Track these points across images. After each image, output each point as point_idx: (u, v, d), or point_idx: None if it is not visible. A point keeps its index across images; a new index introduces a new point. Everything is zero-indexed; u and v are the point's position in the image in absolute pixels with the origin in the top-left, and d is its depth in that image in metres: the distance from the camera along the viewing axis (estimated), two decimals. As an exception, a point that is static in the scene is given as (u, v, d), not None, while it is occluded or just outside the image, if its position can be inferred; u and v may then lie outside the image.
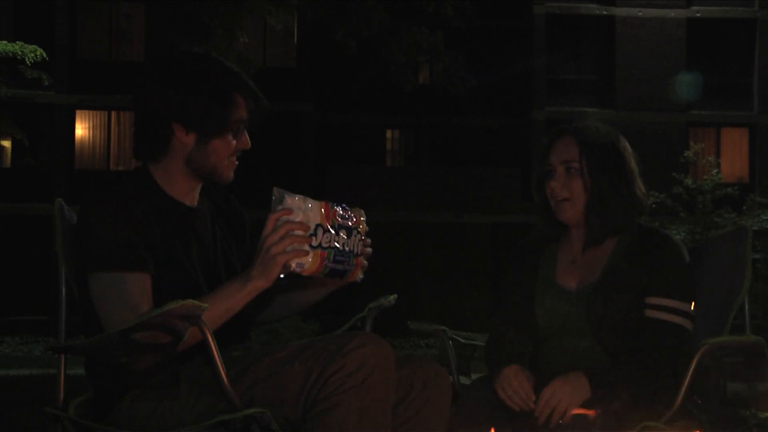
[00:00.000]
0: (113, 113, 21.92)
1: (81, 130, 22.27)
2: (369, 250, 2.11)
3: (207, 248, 2.22)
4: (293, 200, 2.00)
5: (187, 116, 2.10)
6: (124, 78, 15.38)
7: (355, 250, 2.07)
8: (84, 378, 2.12)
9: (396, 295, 2.52)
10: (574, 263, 2.48)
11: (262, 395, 1.94)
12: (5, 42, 10.79)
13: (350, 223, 2.07)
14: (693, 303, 2.34)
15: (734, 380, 2.20)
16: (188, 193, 2.21)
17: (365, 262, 2.11)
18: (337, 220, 2.05)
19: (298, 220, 1.98)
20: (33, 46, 10.77)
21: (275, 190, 2.00)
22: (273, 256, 1.95)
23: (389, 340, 2.02)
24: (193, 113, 2.10)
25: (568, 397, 2.20)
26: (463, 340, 2.80)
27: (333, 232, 2.03)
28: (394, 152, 24.78)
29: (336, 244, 2.03)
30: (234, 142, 2.16)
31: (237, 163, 2.20)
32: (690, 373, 2.14)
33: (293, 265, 1.98)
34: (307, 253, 1.97)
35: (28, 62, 10.83)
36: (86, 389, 2.19)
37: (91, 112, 22.14)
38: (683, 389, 2.15)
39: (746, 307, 2.42)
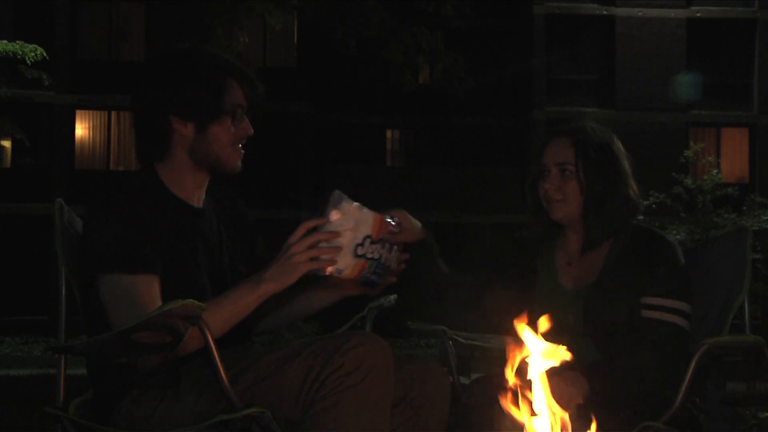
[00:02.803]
0: (113, 113, 21.90)
1: (81, 130, 22.26)
2: (403, 266, 2.12)
3: (212, 249, 2.21)
4: (350, 206, 2.01)
5: (181, 106, 2.10)
6: (124, 78, 15.35)
7: (392, 266, 2.10)
8: (84, 378, 2.12)
9: (396, 295, 2.52)
10: (570, 265, 2.48)
11: (262, 395, 1.94)
12: (5, 42, 10.79)
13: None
14: (689, 302, 2.34)
15: (734, 380, 2.20)
16: (195, 192, 2.20)
17: (394, 278, 2.12)
18: (386, 234, 2.06)
19: (349, 227, 2.00)
20: (33, 45, 10.78)
21: (336, 192, 2.02)
22: (295, 264, 1.96)
23: (389, 340, 2.02)
24: (186, 102, 2.10)
25: (568, 393, 2.20)
26: (463, 340, 2.80)
27: (379, 245, 2.04)
28: (394, 152, 24.78)
29: (379, 256, 2.06)
30: (233, 128, 2.15)
31: (243, 151, 2.20)
32: (690, 373, 2.14)
33: (331, 269, 1.99)
34: (334, 262, 1.97)
35: (28, 62, 10.84)
36: (86, 389, 2.19)
37: (91, 112, 22.12)
38: (683, 389, 2.15)
39: (746, 307, 2.42)
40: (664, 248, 2.38)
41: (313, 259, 1.97)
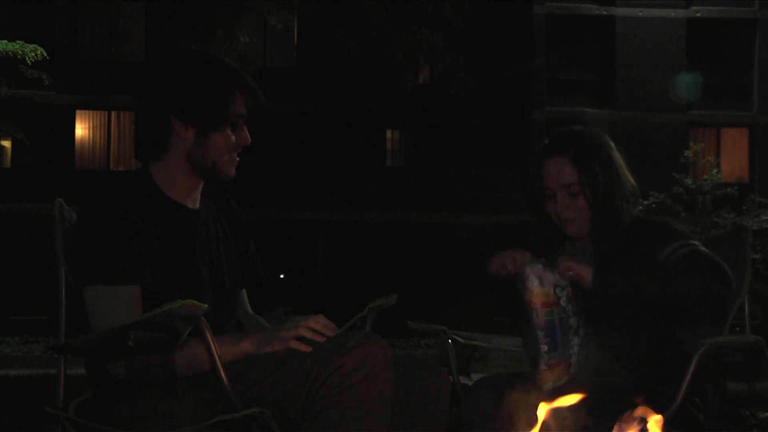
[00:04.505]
0: (113, 113, 21.90)
1: (81, 130, 22.25)
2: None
3: (210, 249, 2.22)
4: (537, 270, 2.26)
5: (185, 110, 2.11)
6: (124, 78, 15.38)
7: (568, 347, 2.23)
8: (84, 378, 2.12)
9: (396, 295, 2.52)
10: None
11: (262, 395, 1.94)
12: (5, 42, 10.79)
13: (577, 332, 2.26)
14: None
15: (734, 380, 2.20)
16: (189, 194, 2.21)
17: (560, 368, 2.20)
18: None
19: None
20: (33, 45, 10.77)
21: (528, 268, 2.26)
22: (281, 338, 2.00)
23: (389, 340, 2.03)
24: (191, 107, 2.10)
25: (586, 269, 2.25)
26: (463, 340, 2.80)
27: (570, 308, 2.24)
28: (394, 152, 24.76)
29: (569, 313, 2.24)
30: (233, 137, 2.16)
31: (238, 159, 2.20)
32: (690, 373, 2.14)
33: (533, 279, 2.22)
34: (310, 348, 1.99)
35: (28, 61, 10.83)
36: (86, 389, 2.19)
37: (91, 112, 22.12)
38: (683, 389, 2.15)
39: (746, 307, 2.42)
40: (656, 223, 2.42)
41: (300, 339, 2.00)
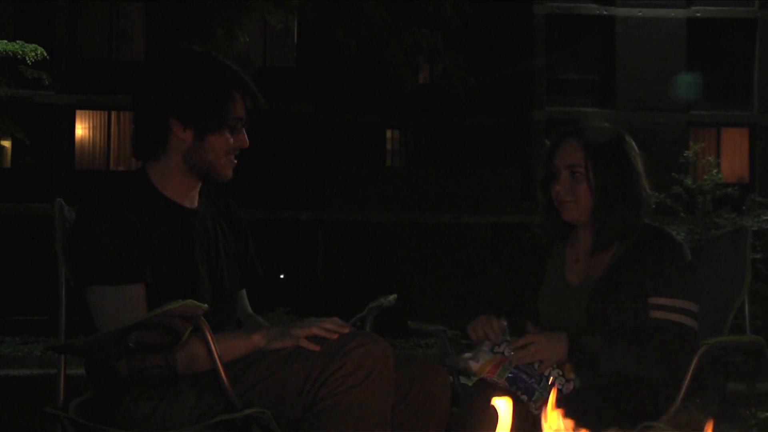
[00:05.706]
0: (113, 113, 21.89)
1: (81, 130, 22.25)
2: (571, 386, 2.24)
3: (209, 248, 2.22)
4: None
5: (184, 111, 2.11)
6: (124, 78, 15.38)
7: (544, 377, 2.24)
8: (84, 378, 2.12)
9: (396, 295, 2.52)
10: (579, 261, 2.49)
11: (262, 395, 1.94)
12: (5, 42, 10.77)
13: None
14: (696, 302, 2.34)
15: (734, 380, 2.20)
16: (187, 194, 2.21)
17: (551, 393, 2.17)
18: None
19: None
20: (33, 45, 10.76)
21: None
22: (291, 335, 2.01)
23: (389, 340, 2.03)
24: (189, 108, 2.10)
25: (544, 349, 2.27)
26: (463, 341, 2.80)
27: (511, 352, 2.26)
28: (394, 152, 24.76)
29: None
30: (231, 139, 2.16)
31: (236, 161, 2.21)
32: (690, 373, 2.14)
33: (468, 359, 2.27)
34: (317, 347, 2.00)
35: (28, 61, 10.81)
36: (86, 389, 2.19)
37: (91, 112, 22.11)
38: (683, 389, 2.15)
39: (746, 307, 2.42)
40: (671, 248, 2.38)
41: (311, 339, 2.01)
